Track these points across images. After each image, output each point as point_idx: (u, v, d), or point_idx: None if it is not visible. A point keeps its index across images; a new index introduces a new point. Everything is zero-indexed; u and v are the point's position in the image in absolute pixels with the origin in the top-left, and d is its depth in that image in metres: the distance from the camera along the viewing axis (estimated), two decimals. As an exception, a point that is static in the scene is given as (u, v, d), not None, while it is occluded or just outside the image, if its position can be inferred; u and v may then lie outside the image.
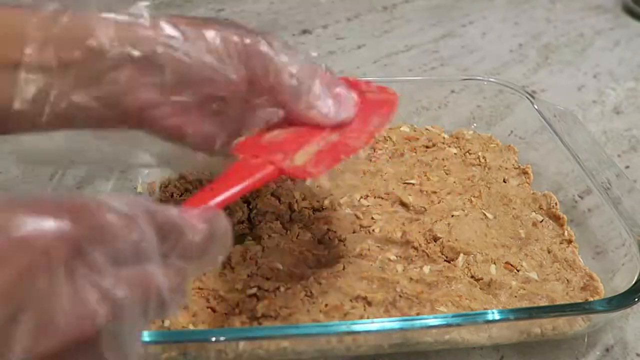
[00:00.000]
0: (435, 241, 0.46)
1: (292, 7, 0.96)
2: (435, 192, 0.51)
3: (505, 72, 0.79)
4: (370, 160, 0.54)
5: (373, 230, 0.47)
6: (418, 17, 0.95)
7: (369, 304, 0.41)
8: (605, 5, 0.99)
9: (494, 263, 0.45)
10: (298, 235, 0.46)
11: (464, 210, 0.49)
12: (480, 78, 0.63)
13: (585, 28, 0.92)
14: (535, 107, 0.57)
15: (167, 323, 0.40)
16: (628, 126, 0.69)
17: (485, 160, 0.55)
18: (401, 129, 0.59)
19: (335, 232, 0.46)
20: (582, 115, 0.70)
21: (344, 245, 0.44)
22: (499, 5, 0.99)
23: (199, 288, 0.42)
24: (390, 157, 0.55)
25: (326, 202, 0.49)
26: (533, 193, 0.52)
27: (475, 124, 0.63)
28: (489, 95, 0.63)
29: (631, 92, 0.75)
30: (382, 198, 0.50)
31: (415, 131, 0.59)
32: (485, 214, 0.49)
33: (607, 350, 0.43)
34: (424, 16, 0.95)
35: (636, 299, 0.39)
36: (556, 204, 0.50)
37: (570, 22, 0.94)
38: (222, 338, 0.36)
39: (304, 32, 0.88)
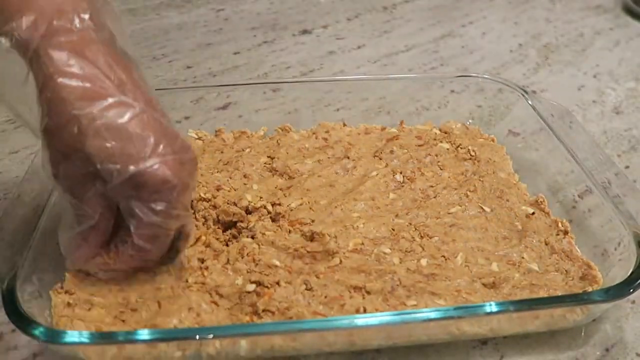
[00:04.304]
0: (430, 238, 0.47)
1: (292, 7, 0.96)
2: (432, 187, 0.52)
3: (505, 72, 0.79)
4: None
5: (362, 226, 0.47)
6: (418, 17, 0.95)
7: (367, 292, 0.42)
8: (605, 5, 0.99)
9: (495, 256, 0.45)
10: (289, 232, 0.46)
11: (461, 206, 0.50)
12: (475, 75, 0.63)
13: (585, 28, 0.92)
14: (534, 106, 0.58)
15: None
16: (628, 126, 0.69)
17: (475, 153, 0.56)
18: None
19: (322, 230, 0.46)
20: (582, 115, 0.70)
21: (336, 242, 0.45)
22: (499, 5, 1.00)
23: (202, 283, 0.43)
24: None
25: (304, 199, 0.49)
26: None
27: (470, 120, 0.63)
28: (489, 95, 0.63)
29: (631, 92, 0.75)
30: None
31: (403, 132, 0.60)
32: (482, 208, 0.50)
33: (607, 350, 0.43)
34: (424, 16, 0.95)
35: (631, 290, 0.39)
36: (543, 201, 0.51)
37: (570, 22, 0.94)
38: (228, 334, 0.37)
39: (304, 32, 0.89)
